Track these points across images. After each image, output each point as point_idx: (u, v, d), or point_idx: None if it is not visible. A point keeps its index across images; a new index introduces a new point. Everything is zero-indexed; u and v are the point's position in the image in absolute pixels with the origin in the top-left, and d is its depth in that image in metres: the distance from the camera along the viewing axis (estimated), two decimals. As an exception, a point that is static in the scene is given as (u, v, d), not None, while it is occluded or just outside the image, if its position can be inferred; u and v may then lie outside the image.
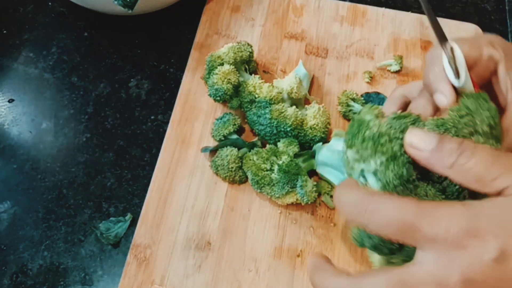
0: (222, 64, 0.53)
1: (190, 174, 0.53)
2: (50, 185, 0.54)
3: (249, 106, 0.53)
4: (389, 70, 0.60)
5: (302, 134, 0.51)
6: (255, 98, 0.52)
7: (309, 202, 0.48)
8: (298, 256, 0.49)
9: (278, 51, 0.61)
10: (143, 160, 0.56)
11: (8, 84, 0.60)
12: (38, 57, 0.62)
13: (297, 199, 0.49)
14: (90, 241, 0.51)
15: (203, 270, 0.48)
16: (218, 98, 0.52)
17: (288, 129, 0.50)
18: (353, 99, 0.56)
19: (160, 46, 0.63)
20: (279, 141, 0.51)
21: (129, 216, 0.52)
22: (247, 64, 0.56)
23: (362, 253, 0.49)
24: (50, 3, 0.66)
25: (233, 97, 0.53)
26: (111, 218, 0.52)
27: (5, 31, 0.64)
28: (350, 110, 0.56)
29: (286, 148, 0.49)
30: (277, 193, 0.48)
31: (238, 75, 0.53)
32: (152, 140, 0.57)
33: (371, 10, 0.65)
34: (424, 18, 0.64)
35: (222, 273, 0.48)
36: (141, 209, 0.51)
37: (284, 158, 0.48)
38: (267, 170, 0.49)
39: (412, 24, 0.64)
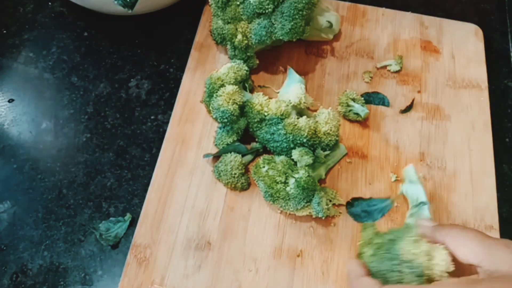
0: (223, 85, 0.52)
1: (190, 174, 0.53)
2: (50, 185, 0.54)
3: (258, 125, 0.51)
4: (389, 70, 0.60)
5: (317, 142, 0.50)
6: (265, 116, 0.51)
7: (323, 217, 0.48)
8: (298, 256, 0.49)
9: (278, 51, 0.61)
10: (143, 160, 0.56)
11: (8, 84, 0.60)
12: (38, 57, 0.62)
13: (309, 212, 0.48)
14: (90, 241, 0.51)
15: (203, 270, 0.48)
16: (225, 120, 0.50)
17: (304, 140, 0.49)
18: (353, 99, 0.56)
19: (160, 46, 0.63)
20: None
21: (128, 216, 0.52)
22: (245, 82, 0.56)
23: (362, 253, 0.49)
24: (50, 3, 0.66)
25: (239, 118, 0.52)
26: (110, 218, 0.52)
27: (5, 31, 0.64)
28: (350, 110, 0.56)
29: (301, 158, 0.48)
30: (292, 208, 0.48)
31: (242, 94, 0.52)
32: (152, 140, 0.57)
33: (371, 10, 0.65)
34: (424, 18, 0.64)
35: (222, 273, 0.48)
36: (141, 209, 0.51)
37: (302, 173, 0.47)
38: (281, 183, 0.48)
39: (412, 24, 0.64)
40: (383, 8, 0.65)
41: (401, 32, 0.63)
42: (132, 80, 0.61)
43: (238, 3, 0.54)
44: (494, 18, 0.68)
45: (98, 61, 0.62)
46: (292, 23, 0.52)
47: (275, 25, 0.53)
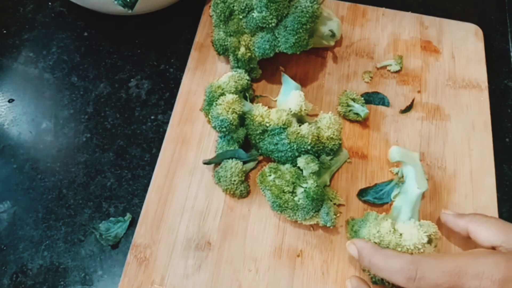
0: (223, 94, 0.51)
1: (190, 174, 0.53)
2: (50, 185, 0.54)
3: (261, 137, 0.51)
4: (389, 70, 0.60)
5: (321, 147, 0.50)
6: (267, 127, 0.50)
7: (331, 227, 0.48)
8: (298, 256, 0.49)
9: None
10: (143, 160, 0.56)
11: (8, 84, 0.60)
12: (38, 57, 0.62)
13: (317, 221, 0.48)
14: (90, 241, 0.51)
15: (203, 270, 0.48)
16: (224, 129, 0.50)
17: (309, 147, 0.49)
18: (353, 99, 0.56)
19: (160, 46, 0.63)
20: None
21: (128, 216, 0.52)
22: (245, 91, 0.55)
23: (362, 253, 0.49)
24: (50, 3, 0.66)
25: (238, 128, 0.51)
26: (110, 218, 0.52)
27: (5, 31, 0.64)
28: (350, 110, 0.56)
29: (307, 166, 0.48)
30: (300, 218, 0.48)
31: (242, 104, 0.51)
32: (152, 140, 0.57)
33: (371, 10, 0.65)
34: (424, 18, 0.64)
35: (222, 273, 0.48)
36: (141, 209, 0.51)
37: (310, 183, 0.47)
38: (289, 193, 0.48)
39: (412, 24, 0.64)
40: (383, 8, 0.65)
41: (401, 32, 0.63)
42: (132, 80, 0.61)
43: (240, 17, 0.54)
44: (494, 18, 0.68)
45: (98, 61, 0.62)
46: (296, 37, 0.52)
47: (279, 39, 0.53)
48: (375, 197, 0.52)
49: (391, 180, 0.52)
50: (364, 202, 0.52)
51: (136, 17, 0.62)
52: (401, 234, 0.44)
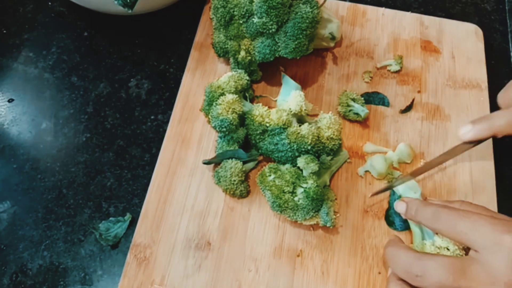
0: (223, 94, 0.51)
1: (190, 174, 0.53)
2: (50, 185, 0.54)
3: (261, 137, 0.51)
4: (389, 70, 0.60)
5: (321, 148, 0.50)
6: (267, 127, 0.50)
7: (331, 227, 0.48)
8: (298, 256, 0.49)
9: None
10: (143, 160, 0.56)
11: (8, 84, 0.60)
12: (38, 57, 0.62)
13: (317, 222, 0.48)
14: (90, 241, 0.51)
15: (203, 270, 0.48)
16: (224, 129, 0.50)
17: (309, 147, 0.49)
18: (353, 99, 0.56)
19: (160, 46, 0.63)
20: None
21: (128, 216, 0.52)
22: (245, 91, 0.55)
23: (361, 254, 0.49)
24: (50, 3, 0.66)
25: (238, 128, 0.51)
26: (110, 218, 0.52)
27: (5, 31, 0.64)
28: (350, 110, 0.56)
29: (306, 166, 0.48)
30: (300, 218, 0.48)
31: (242, 104, 0.51)
32: (152, 140, 0.57)
33: (371, 10, 0.65)
34: (424, 18, 0.64)
35: (222, 273, 0.48)
36: (141, 209, 0.51)
37: (310, 183, 0.47)
38: (289, 193, 0.48)
39: (412, 24, 0.64)
40: (383, 8, 0.65)
41: (401, 32, 0.63)
42: (132, 80, 0.61)
43: (241, 22, 0.54)
44: (494, 18, 0.68)
45: (98, 61, 0.62)
46: (296, 43, 0.52)
47: (279, 44, 0.53)
48: (401, 220, 0.51)
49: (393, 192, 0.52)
50: (395, 230, 0.51)
51: (136, 17, 0.62)
52: (446, 248, 0.44)
